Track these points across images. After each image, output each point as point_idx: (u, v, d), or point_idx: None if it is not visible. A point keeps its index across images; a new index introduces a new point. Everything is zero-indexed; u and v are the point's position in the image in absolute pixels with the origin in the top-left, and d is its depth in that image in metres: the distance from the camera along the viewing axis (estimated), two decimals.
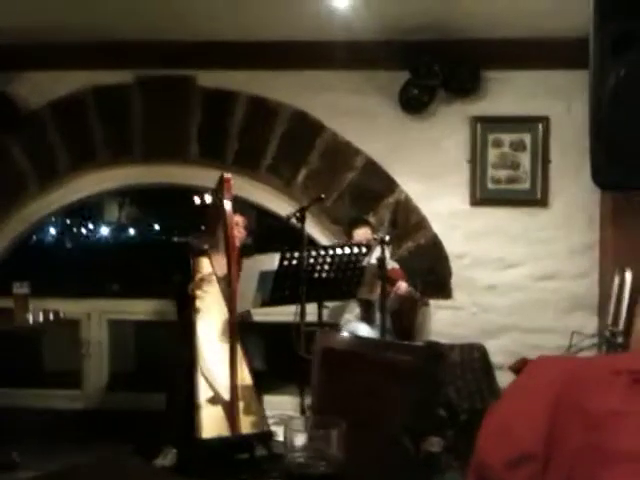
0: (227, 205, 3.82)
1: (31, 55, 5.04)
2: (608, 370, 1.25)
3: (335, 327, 4.54)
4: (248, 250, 4.50)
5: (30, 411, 5.03)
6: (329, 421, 1.27)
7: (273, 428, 4.21)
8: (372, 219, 4.98)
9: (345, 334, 3.35)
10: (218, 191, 3.91)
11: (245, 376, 3.95)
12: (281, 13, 4.39)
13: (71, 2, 4.24)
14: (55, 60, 5.05)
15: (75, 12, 4.41)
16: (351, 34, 4.42)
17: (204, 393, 3.87)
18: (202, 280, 4.21)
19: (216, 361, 3.96)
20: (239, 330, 3.96)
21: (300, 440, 1.28)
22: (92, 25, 4.64)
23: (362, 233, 4.54)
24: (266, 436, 4.01)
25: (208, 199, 4.15)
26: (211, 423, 3.78)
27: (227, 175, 3.87)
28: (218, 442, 3.81)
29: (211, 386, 3.90)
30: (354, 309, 4.62)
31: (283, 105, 5.04)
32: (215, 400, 3.86)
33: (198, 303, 4.17)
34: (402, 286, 4.37)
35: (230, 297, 3.87)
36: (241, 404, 3.83)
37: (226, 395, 3.83)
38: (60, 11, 4.38)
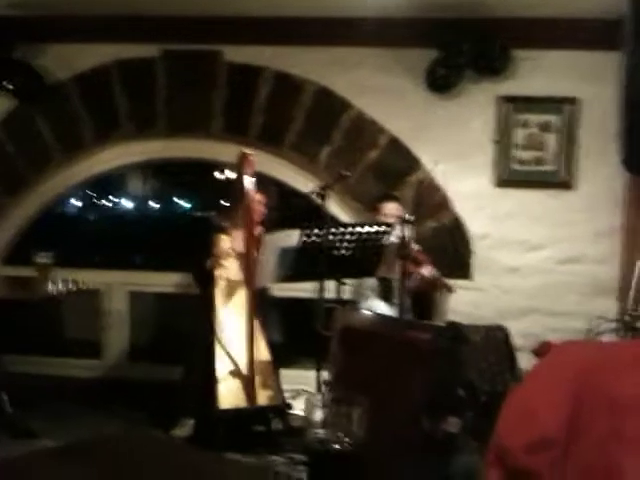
0: (247, 181, 3.82)
1: (57, 27, 5.06)
2: (632, 355, 1.24)
3: (354, 304, 4.54)
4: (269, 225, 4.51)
5: (50, 379, 5.11)
6: (350, 398, 1.27)
7: (289, 401, 4.26)
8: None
9: (364, 312, 3.33)
10: (239, 167, 3.90)
11: (262, 350, 3.98)
12: None
13: None
14: (81, 33, 5.05)
15: None
16: (380, 11, 4.36)
17: (222, 366, 3.90)
18: (220, 257, 4.22)
19: (234, 335, 3.98)
20: (258, 305, 3.98)
21: (320, 416, 1.29)
22: None
23: (391, 208, 4.51)
24: (282, 408, 4.04)
25: (230, 174, 4.16)
26: (228, 396, 3.82)
27: (247, 151, 3.86)
28: (234, 413, 3.84)
29: (229, 359, 3.93)
30: (374, 286, 4.61)
31: (309, 81, 5.01)
32: (232, 373, 3.89)
33: (217, 278, 4.19)
34: (427, 270, 4.36)
35: (248, 273, 3.88)
36: (258, 378, 3.86)
37: (243, 369, 3.86)
38: None
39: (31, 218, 5.53)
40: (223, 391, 3.81)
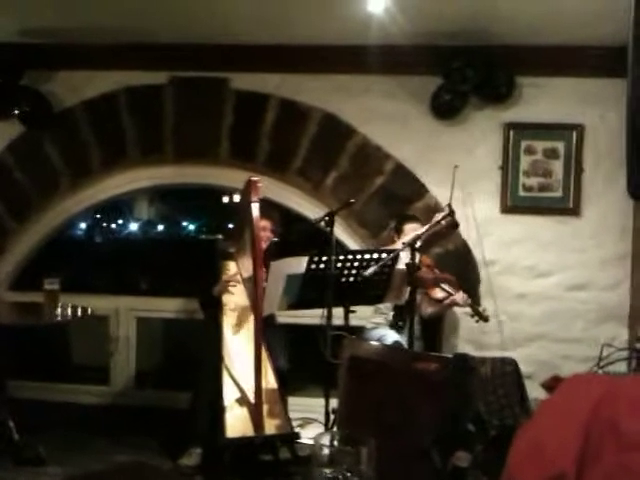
0: (254, 208, 3.82)
1: (66, 55, 5.11)
2: None
3: (361, 331, 4.53)
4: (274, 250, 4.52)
5: (57, 405, 5.10)
6: (358, 437, 1.27)
7: (297, 430, 4.22)
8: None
9: (373, 343, 3.31)
10: (245, 194, 3.91)
11: (269, 378, 3.96)
12: (315, 17, 4.38)
13: (107, 4, 4.27)
14: (90, 60, 5.11)
15: (111, 14, 4.45)
16: (385, 39, 4.39)
17: (229, 394, 3.88)
18: (227, 283, 4.22)
19: (241, 363, 3.97)
20: (265, 331, 3.98)
21: (328, 455, 1.28)
22: (127, 27, 4.68)
23: (412, 228, 4.51)
24: (290, 437, 4.00)
25: (236, 199, 4.17)
26: (235, 424, 3.79)
27: (254, 178, 3.87)
28: (241, 442, 3.80)
29: (236, 387, 3.91)
30: (386, 313, 4.59)
31: (314, 108, 5.04)
32: (239, 401, 3.87)
33: (224, 305, 4.19)
34: (459, 296, 4.33)
35: (255, 300, 3.87)
36: (265, 406, 3.83)
37: (251, 397, 3.84)
38: (96, 12, 4.43)
39: (39, 244, 5.56)
40: (230, 419, 3.79)
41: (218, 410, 3.83)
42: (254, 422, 3.79)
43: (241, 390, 3.90)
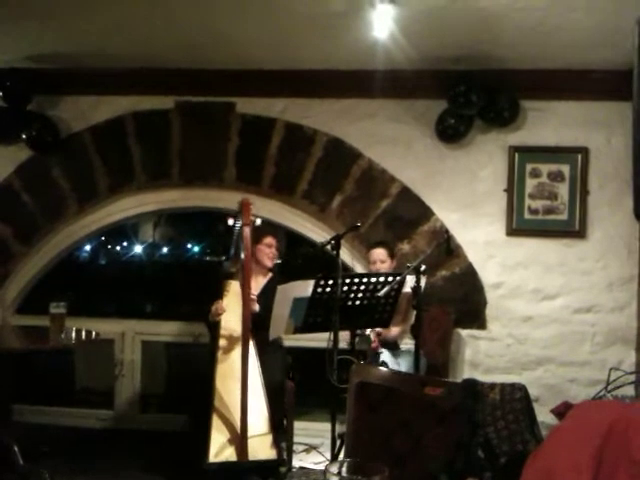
0: (246, 230, 3.83)
1: (73, 80, 5.17)
2: None
3: (364, 354, 4.51)
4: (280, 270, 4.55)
5: (62, 430, 5.09)
6: (371, 467, 1.25)
7: (302, 455, 4.17)
8: (406, 246, 4.97)
9: (382, 368, 3.30)
10: (238, 216, 3.92)
11: (260, 403, 3.88)
12: (320, 43, 4.41)
13: (113, 30, 4.32)
14: (97, 85, 5.16)
15: (117, 39, 4.50)
16: (390, 64, 4.43)
17: (217, 418, 3.82)
18: (215, 314, 4.21)
19: (235, 385, 3.89)
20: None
21: None
22: (134, 52, 4.73)
23: (377, 253, 4.58)
24: (275, 464, 3.87)
25: (231, 222, 4.16)
26: (220, 448, 3.70)
27: (246, 199, 3.89)
28: (224, 467, 3.69)
29: (224, 411, 3.85)
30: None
31: (320, 132, 5.07)
32: (227, 426, 3.80)
33: (221, 328, 4.17)
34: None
35: (244, 321, 3.84)
36: (252, 432, 3.74)
37: (238, 421, 3.76)
38: (103, 38, 4.48)
39: (45, 267, 5.57)
40: (215, 443, 3.72)
41: (207, 433, 3.76)
42: (237, 447, 3.72)
43: (229, 414, 3.84)
